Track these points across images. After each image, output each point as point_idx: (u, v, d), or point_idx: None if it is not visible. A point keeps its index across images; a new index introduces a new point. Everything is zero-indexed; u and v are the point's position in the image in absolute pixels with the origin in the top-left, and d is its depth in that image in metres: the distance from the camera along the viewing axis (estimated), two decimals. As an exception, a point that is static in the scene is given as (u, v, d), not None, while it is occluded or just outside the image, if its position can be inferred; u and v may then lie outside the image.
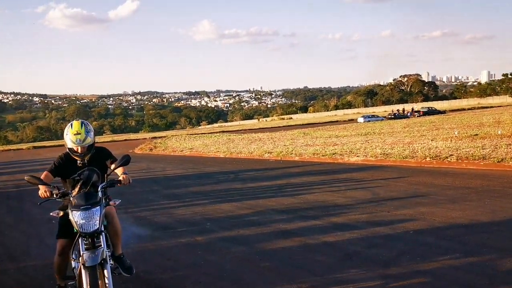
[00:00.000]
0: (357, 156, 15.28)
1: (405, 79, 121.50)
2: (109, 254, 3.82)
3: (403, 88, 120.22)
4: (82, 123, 4.04)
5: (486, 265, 4.62)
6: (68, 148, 4.04)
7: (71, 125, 4.02)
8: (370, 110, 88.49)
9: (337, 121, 58.21)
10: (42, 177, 3.87)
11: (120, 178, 4.03)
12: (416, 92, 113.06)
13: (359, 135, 25.32)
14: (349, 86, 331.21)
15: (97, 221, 3.61)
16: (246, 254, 5.51)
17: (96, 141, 4.21)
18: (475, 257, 4.86)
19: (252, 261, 5.24)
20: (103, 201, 3.84)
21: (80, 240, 3.65)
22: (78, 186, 3.87)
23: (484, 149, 13.22)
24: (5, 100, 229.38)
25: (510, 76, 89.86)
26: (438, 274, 4.44)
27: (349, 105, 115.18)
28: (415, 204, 7.57)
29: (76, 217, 3.57)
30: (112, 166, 4.03)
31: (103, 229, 3.72)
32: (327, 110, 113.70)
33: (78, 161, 4.05)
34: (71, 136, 3.94)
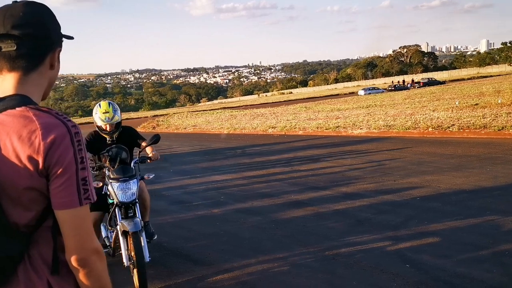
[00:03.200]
0: (361, 128, 15.53)
1: (405, 50, 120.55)
2: (142, 224, 4.10)
3: (402, 59, 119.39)
4: (109, 103, 4.31)
5: (489, 226, 4.93)
6: (97, 126, 4.31)
7: (99, 105, 4.30)
8: (370, 83, 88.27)
9: (337, 94, 58.24)
10: None
11: (150, 155, 4.34)
12: (415, 63, 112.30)
13: (360, 107, 25.49)
14: (348, 59, 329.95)
15: (134, 192, 3.92)
16: (262, 223, 5.81)
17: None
18: (478, 219, 5.16)
19: (268, 229, 5.54)
20: (138, 174, 4.12)
21: (117, 210, 3.95)
22: (107, 162, 4.15)
23: (484, 118, 13.46)
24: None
25: (509, 45, 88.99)
26: (444, 235, 4.75)
27: (349, 78, 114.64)
28: (420, 173, 7.86)
29: (115, 188, 3.89)
30: (143, 144, 4.33)
31: (137, 201, 4.02)
32: (327, 84, 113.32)
33: (107, 139, 4.32)
34: (100, 115, 4.21)
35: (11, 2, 1.28)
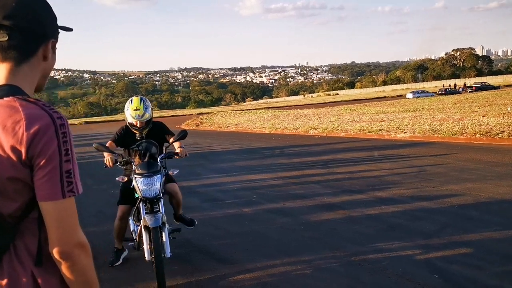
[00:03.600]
0: (404, 132, 15.10)
1: (458, 53, 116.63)
2: (166, 219, 4.13)
3: (455, 62, 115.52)
4: (141, 99, 4.34)
5: (530, 239, 4.63)
6: (128, 122, 4.37)
7: (131, 101, 4.34)
8: (420, 86, 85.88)
9: (385, 97, 56.97)
10: (107, 145, 4.24)
11: (178, 151, 4.38)
12: (469, 67, 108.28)
13: (407, 111, 24.84)
14: (398, 61, 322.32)
15: (158, 188, 3.96)
16: (290, 224, 5.73)
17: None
18: (519, 231, 4.86)
19: (296, 231, 5.46)
20: (163, 170, 4.18)
21: (141, 204, 4.01)
22: (137, 157, 4.22)
23: (538, 125, 12.74)
24: (57, 77, 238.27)
25: None
26: (479, 246, 4.50)
27: (398, 81, 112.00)
28: (462, 180, 7.52)
29: (139, 183, 3.94)
30: (170, 140, 4.37)
31: (161, 196, 4.06)
32: (375, 86, 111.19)
33: (137, 135, 4.38)
34: (131, 112, 4.26)
35: None
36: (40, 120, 1.17)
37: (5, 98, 1.20)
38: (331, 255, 4.57)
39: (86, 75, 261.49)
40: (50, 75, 1.43)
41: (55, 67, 1.40)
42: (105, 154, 4.24)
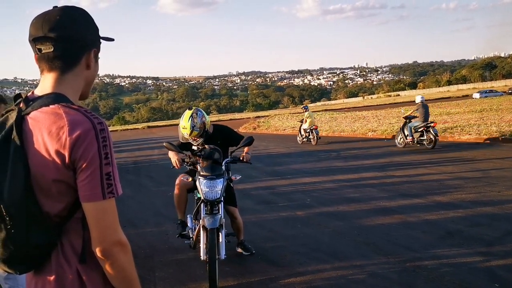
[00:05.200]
0: (469, 134, 14.42)
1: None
2: (224, 222, 4.20)
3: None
4: (190, 117, 4.32)
5: None
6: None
7: (182, 117, 4.41)
8: (488, 85, 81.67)
9: (449, 97, 54.63)
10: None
11: (242, 154, 4.51)
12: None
13: (473, 112, 23.71)
14: (464, 59, 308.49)
15: (219, 191, 4.06)
16: (343, 228, 5.64)
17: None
18: None
19: (349, 235, 5.36)
20: (226, 174, 4.28)
21: (202, 205, 4.15)
22: (201, 161, 4.33)
23: None
24: (122, 83, 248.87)
25: None
26: (548, 256, 4.20)
27: (464, 80, 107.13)
28: (530, 185, 7.07)
29: (202, 184, 4.08)
30: (240, 143, 4.47)
31: (222, 199, 4.16)
32: (439, 86, 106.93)
33: (193, 146, 4.52)
34: (181, 129, 4.42)
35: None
36: (82, 126, 1.25)
37: (51, 106, 1.29)
38: (384, 261, 4.44)
39: (149, 81, 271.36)
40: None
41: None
42: (173, 154, 4.43)
